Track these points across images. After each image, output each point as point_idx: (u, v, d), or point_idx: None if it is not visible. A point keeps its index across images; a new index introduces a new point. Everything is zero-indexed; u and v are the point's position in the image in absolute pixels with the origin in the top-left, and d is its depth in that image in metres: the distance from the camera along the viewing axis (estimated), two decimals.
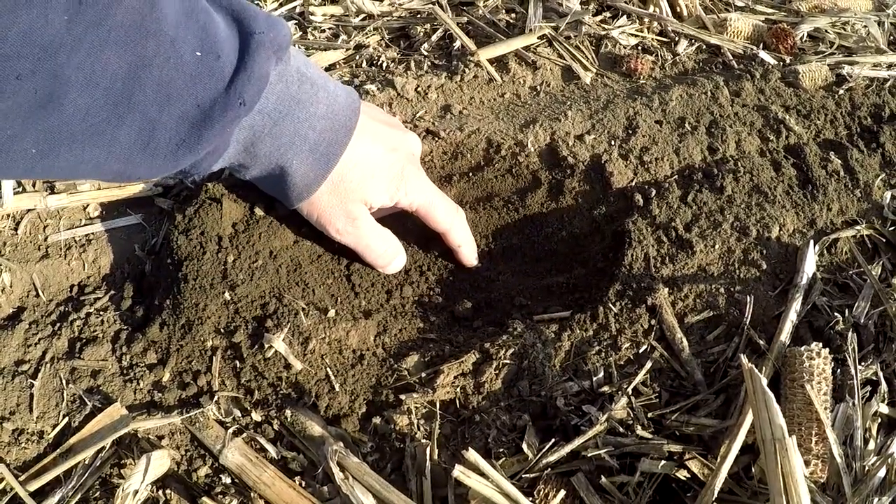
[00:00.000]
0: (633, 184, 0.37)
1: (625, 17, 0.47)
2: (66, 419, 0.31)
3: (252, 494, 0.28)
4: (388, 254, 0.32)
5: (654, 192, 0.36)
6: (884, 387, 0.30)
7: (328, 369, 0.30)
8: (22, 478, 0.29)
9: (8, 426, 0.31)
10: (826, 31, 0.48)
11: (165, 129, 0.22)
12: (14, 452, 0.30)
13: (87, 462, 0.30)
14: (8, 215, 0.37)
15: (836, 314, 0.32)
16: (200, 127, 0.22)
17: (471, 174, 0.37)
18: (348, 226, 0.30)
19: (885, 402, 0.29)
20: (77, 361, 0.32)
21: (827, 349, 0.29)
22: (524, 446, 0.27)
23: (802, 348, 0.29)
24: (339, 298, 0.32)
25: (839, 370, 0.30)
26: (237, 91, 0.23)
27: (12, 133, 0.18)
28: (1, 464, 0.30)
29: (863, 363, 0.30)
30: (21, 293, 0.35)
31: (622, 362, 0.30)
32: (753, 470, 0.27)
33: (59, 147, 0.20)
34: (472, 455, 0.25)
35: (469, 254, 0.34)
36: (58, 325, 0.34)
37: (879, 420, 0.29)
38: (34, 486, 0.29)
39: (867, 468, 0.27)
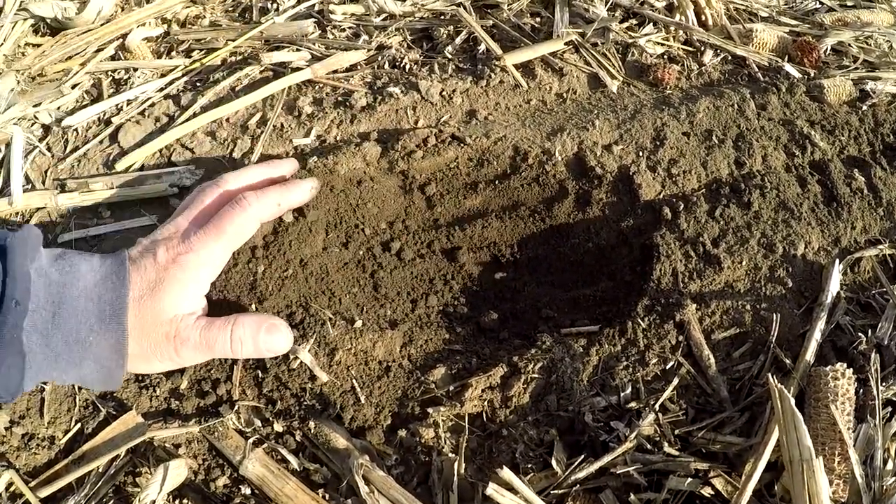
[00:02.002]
0: (661, 196, 0.37)
1: (651, 24, 0.47)
2: (79, 425, 0.30)
3: None
4: (246, 340, 0.28)
5: (682, 206, 0.36)
6: None
7: (354, 381, 0.30)
8: (32, 484, 0.29)
9: (18, 431, 0.30)
10: (850, 45, 0.48)
11: None
12: (24, 457, 0.30)
13: (100, 470, 0.29)
14: (17, 213, 0.36)
15: (859, 334, 0.32)
16: None
17: (497, 182, 0.37)
18: (181, 347, 0.28)
19: None
20: None
21: (850, 369, 0.29)
22: (553, 462, 0.27)
23: (828, 368, 0.29)
24: (364, 308, 0.32)
25: (861, 390, 0.30)
26: (8, 294, 0.23)
27: None
28: (10, 469, 0.29)
29: (884, 383, 0.31)
30: None
31: (649, 378, 0.30)
32: (776, 488, 0.28)
33: None
34: (505, 473, 0.25)
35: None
36: None
37: None
38: (45, 492, 0.29)
39: (886, 488, 0.28)
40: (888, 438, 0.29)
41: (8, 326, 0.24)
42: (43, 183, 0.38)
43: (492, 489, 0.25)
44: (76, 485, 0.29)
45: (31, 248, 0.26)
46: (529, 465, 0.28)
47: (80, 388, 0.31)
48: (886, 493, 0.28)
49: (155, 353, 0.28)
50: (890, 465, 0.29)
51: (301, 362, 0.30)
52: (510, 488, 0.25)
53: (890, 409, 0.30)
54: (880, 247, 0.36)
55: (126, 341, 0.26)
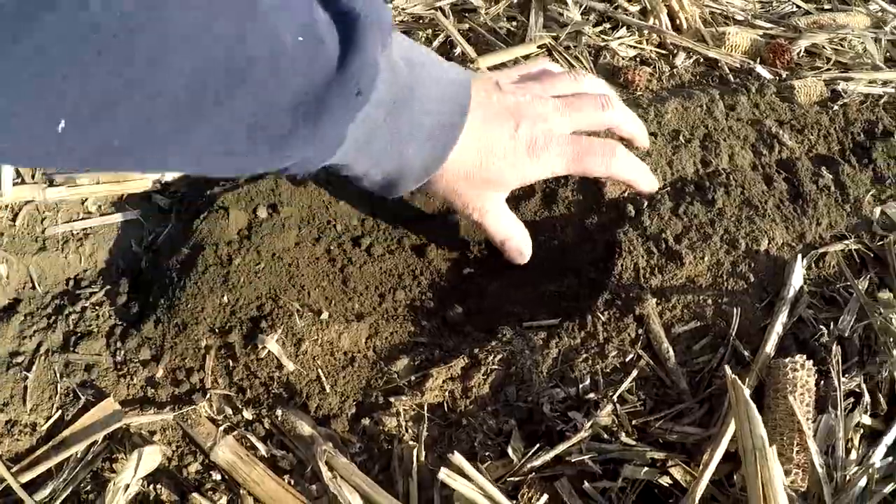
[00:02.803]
0: (626, 195, 0.37)
1: (624, 28, 0.48)
2: (60, 412, 0.31)
3: (241, 491, 0.28)
4: (518, 241, 0.31)
5: (645, 204, 0.36)
6: (867, 398, 0.30)
7: (319, 370, 0.31)
8: (14, 469, 0.30)
9: (1, 417, 0.32)
10: (823, 46, 0.49)
11: (273, 117, 0.19)
12: (7, 444, 0.31)
13: (78, 455, 0.30)
14: (6, 206, 0.38)
15: (821, 327, 0.33)
16: (315, 118, 0.20)
17: None
18: (484, 217, 0.29)
19: (868, 413, 0.30)
20: (71, 355, 0.33)
21: (811, 361, 0.29)
22: (509, 450, 0.28)
23: (787, 360, 0.29)
24: (332, 301, 0.33)
25: (823, 382, 0.30)
26: (353, 79, 0.20)
27: (115, 98, 0.16)
28: None
29: (847, 375, 0.31)
30: (17, 285, 0.36)
31: (608, 370, 0.31)
32: (735, 478, 0.28)
33: (156, 123, 0.17)
34: (457, 458, 0.26)
35: (644, 183, 0.32)
36: (53, 317, 0.34)
37: (862, 431, 0.30)
38: (26, 477, 0.29)
39: (848, 478, 0.28)
40: (850, 429, 0.29)
41: (335, 111, 0.20)
42: (32, 177, 0.39)
43: (443, 473, 0.25)
44: (55, 470, 0.30)
45: (384, 31, 0.22)
46: (487, 454, 0.28)
47: (61, 376, 0.32)
48: (849, 482, 0.28)
49: (462, 203, 0.28)
50: (853, 455, 0.29)
51: (269, 352, 0.31)
52: (462, 473, 0.26)
53: (852, 399, 0.30)
54: (846, 242, 0.36)
55: (435, 171, 0.25)
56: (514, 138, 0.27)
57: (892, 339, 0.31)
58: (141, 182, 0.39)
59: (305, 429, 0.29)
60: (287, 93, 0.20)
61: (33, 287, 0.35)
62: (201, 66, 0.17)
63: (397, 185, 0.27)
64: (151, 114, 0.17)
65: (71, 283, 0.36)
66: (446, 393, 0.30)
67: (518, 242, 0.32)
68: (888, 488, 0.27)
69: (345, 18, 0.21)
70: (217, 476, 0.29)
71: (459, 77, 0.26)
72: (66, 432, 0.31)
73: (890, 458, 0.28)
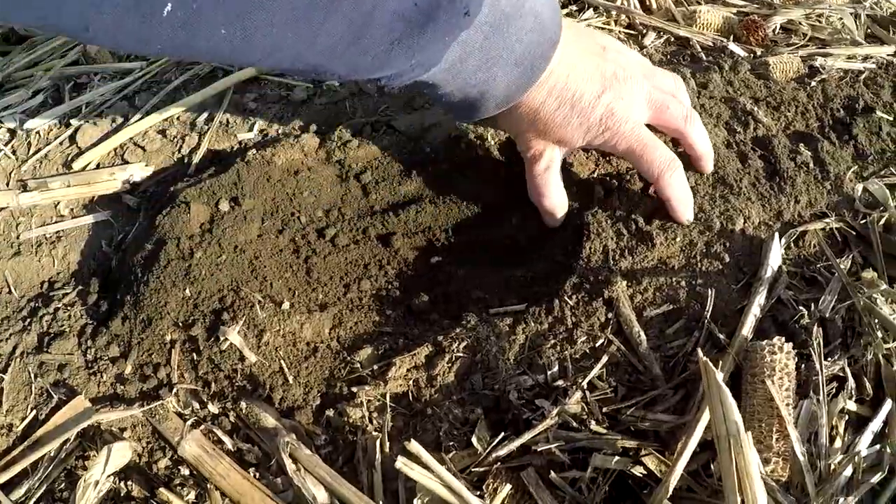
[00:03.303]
0: (595, 175, 0.36)
1: (591, 10, 0.47)
2: (34, 412, 0.31)
3: (209, 486, 0.28)
4: (556, 212, 0.32)
5: (615, 184, 0.35)
6: (851, 383, 0.28)
7: (282, 361, 0.30)
8: None
9: None
10: (800, 23, 0.47)
11: (378, 25, 0.20)
12: None
13: (52, 454, 0.29)
14: None
15: (801, 308, 0.31)
16: (420, 30, 0.21)
17: (431, 168, 0.37)
18: (536, 164, 0.29)
19: (853, 398, 0.28)
20: (45, 355, 0.32)
21: (790, 344, 0.27)
22: (474, 440, 0.27)
23: (764, 343, 0.28)
24: (296, 292, 0.32)
25: (804, 366, 0.28)
26: (463, 1, 0.21)
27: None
28: None
29: (829, 358, 0.29)
30: None
31: (578, 356, 0.29)
32: (713, 467, 0.26)
33: (257, 27, 0.18)
34: (413, 446, 0.24)
35: (683, 210, 0.31)
36: (28, 320, 0.34)
37: (847, 417, 0.28)
38: (3, 478, 0.29)
39: (833, 467, 0.26)
40: (834, 415, 0.27)
41: (441, 29, 0.21)
42: (7, 184, 0.39)
43: (400, 462, 0.24)
44: (31, 469, 0.29)
45: None
46: (452, 444, 0.27)
47: (35, 377, 0.32)
48: (834, 472, 0.26)
49: (524, 144, 0.29)
50: (837, 443, 0.27)
51: (231, 343, 0.30)
52: (421, 462, 0.24)
53: (835, 384, 0.28)
54: (826, 220, 0.34)
55: (518, 97, 0.26)
56: (593, 104, 0.28)
57: (876, 321, 0.29)
58: (111, 183, 0.38)
59: (270, 421, 0.29)
60: (392, 3, 0.20)
61: (9, 291, 0.35)
62: None
63: (478, 109, 0.27)
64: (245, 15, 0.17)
65: (45, 285, 0.36)
66: (410, 382, 0.29)
67: (554, 204, 0.32)
68: (875, 478, 0.25)
69: None
70: (185, 471, 0.29)
71: (554, 16, 0.27)
72: (39, 432, 0.30)
73: (877, 446, 0.26)
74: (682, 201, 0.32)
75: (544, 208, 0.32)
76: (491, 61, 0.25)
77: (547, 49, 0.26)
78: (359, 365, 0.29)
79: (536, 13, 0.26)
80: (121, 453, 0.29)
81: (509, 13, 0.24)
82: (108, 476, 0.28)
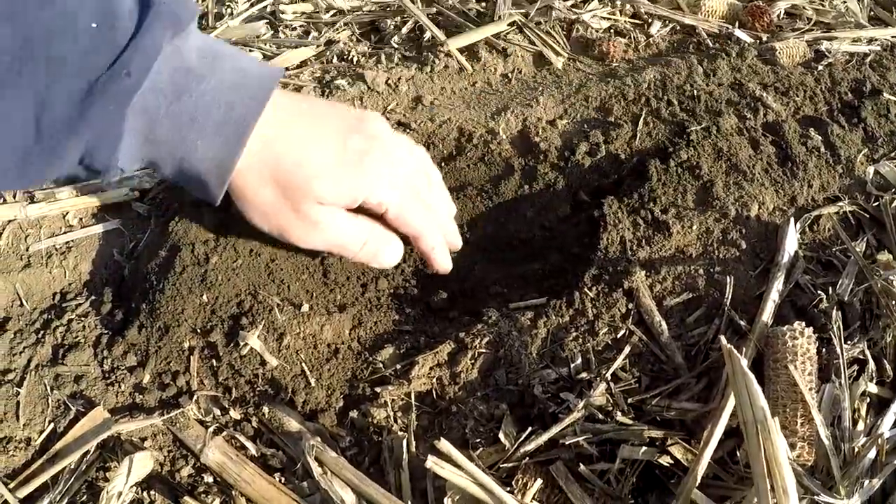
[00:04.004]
0: (609, 167, 0.36)
1: (595, 0, 0.46)
2: (52, 425, 0.31)
3: (234, 492, 0.27)
4: (370, 247, 0.26)
5: (628, 176, 0.34)
6: (872, 365, 0.28)
7: (303, 364, 0.29)
8: (11, 485, 0.29)
9: None
10: (804, 7, 0.47)
11: (53, 107, 0.19)
12: (3, 461, 0.30)
13: (72, 466, 0.29)
14: None
15: (819, 292, 0.31)
16: (85, 104, 0.19)
17: (443, 164, 0.36)
18: (311, 232, 0.25)
19: (874, 381, 0.28)
20: (60, 367, 0.32)
21: (811, 328, 0.27)
22: (501, 436, 0.27)
23: (785, 328, 0.28)
24: (313, 293, 0.32)
25: (825, 349, 0.28)
26: (123, 62, 0.20)
27: None
28: None
29: (849, 342, 0.29)
30: (5, 303, 0.35)
31: (600, 348, 0.29)
32: (739, 454, 0.26)
33: None
34: (444, 445, 0.24)
35: (439, 259, 0.28)
36: (41, 332, 0.33)
37: (868, 400, 0.28)
38: (23, 492, 0.29)
39: (856, 449, 0.26)
40: (856, 398, 0.27)
41: (109, 95, 0.20)
42: (14, 196, 0.38)
43: (432, 462, 0.24)
44: (51, 483, 0.29)
45: (178, 22, 0.21)
46: (479, 441, 0.27)
47: (51, 389, 0.32)
48: (858, 455, 0.26)
49: (281, 219, 0.24)
50: (860, 426, 0.27)
51: (251, 348, 0.29)
52: (451, 460, 0.24)
53: (856, 367, 0.28)
54: (840, 204, 0.34)
55: (231, 168, 0.22)
56: (340, 154, 0.24)
57: (893, 302, 0.29)
58: (119, 191, 0.38)
59: (293, 425, 0.28)
60: (67, 84, 0.19)
61: (21, 304, 0.35)
62: None
63: (204, 185, 0.24)
64: None
65: (57, 296, 0.35)
66: (434, 380, 0.28)
67: (372, 244, 0.26)
68: None
69: (143, 5, 0.21)
70: (209, 478, 0.28)
71: (266, 71, 0.24)
72: (58, 444, 0.30)
73: None
74: (443, 255, 0.28)
75: (369, 258, 0.27)
76: (185, 127, 0.22)
77: (254, 107, 0.22)
78: (381, 365, 0.29)
79: (239, 71, 0.23)
80: (142, 463, 0.29)
81: (204, 75, 0.22)
82: (131, 486, 0.28)
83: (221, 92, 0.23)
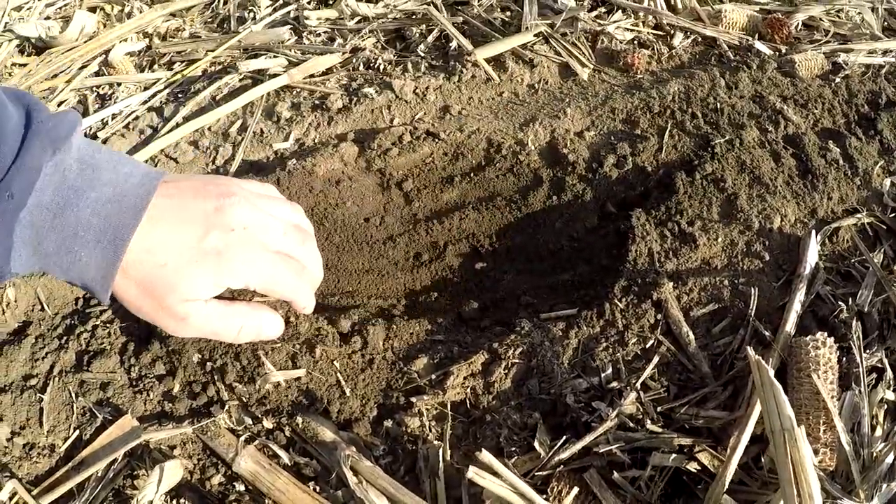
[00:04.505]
0: (635, 179, 0.37)
1: (620, 11, 0.47)
2: (77, 432, 0.31)
3: (267, 501, 0.28)
4: (248, 329, 0.27)
5: (655, 188, 0.35)
6: (889, 373, 0.30)
7: (338, 374, 0.30)
8: (35, 492, 0.29)
9: (18, 441, 0.31)
10: (820, 19, 0.48)
11: None
12: (26, 467, 0.30)
13: (99, 474, 0.29)
14: None
15: (839, 303, 0.32)
16: None
17: (472, 174, 0.37)
18: (180, 325, 0.26)
19: (891, 388, 0.29)
20: (86, 374, 0.32)
21: (832, 338, 0.29)
22: (536, 444, 0.27)
23: (808, 338, 0.29)
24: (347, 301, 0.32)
25: (844, 358, 0.30)
26: (6, 184, 0.21)
27: None
28: (13, 479, 0.29)
29: (867, 350, 0.30)
30: (26, 307, 0.35)
31: (629, 358, 0.30)
32: (763, 460, 0.27)
33: None
34: (485, 455, 0.25)
35: (309, 310, 0.29)
36: (64, 338, 0.33)
37: (886, 406, 0.29)
38: (47, 499, 0.29)
39: (875, 455, 0.27)
40: (874, 405, 0.29)
41: None
42: None
43: (472, 472, 0.25)
44: (77, 490, 0.29)
45: (57, 139, 0.23)
46: (514, 449, 0.28)
47: (76, 396, 0.32)
48: (876, 459, 0.27)
49: (151, 314, 0.25)
50: (878, 432, 0.28)
51: (280, 358, 0.30)
52: (491, 471, 0.25)
53: (875, 375, 0.30)
54: (858, 216, 0.36)
55: (114, 275, 0.24)
56: (198, 251, 0.25)
57: None
58: None
59: (328, 434, 0.29)
60: None
61: (42, 309, 0.35)
62: None
63: (94, 292, 0.25)
64: None
65: (80, 302, 0.35)
66: (468, 390, 0.29)
67: (249, 327, 0.27)
68: None
69: (25, 127, 0.22)
70: (241, 487, 0.29)
71: (144, 179, 0.25)
72: (85, 452, 0.30)
73: None
74: (311, 303, 0.29)
75: (250, 339, 0.27)
76: (69, 240, 0.23)
77: (130, 217, 0.24)
78: (416, 375, 0.30)
79: (119, 182, 0.24)
80: (173, 472, 0.29)
81: (83, 188, 0.23)
82: (162, 495, 0.28)
83: (101, 203, 0.24)
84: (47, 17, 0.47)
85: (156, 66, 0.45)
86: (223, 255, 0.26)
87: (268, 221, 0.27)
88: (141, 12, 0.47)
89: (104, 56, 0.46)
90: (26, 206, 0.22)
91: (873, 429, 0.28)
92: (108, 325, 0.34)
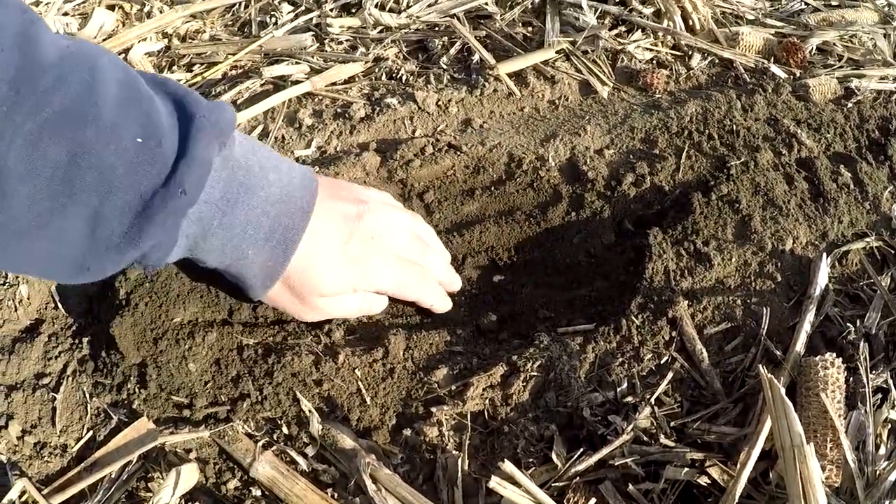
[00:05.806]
0: (652, 198, 0.39)
1: (640, 31, 0.49)
2: (91, 433, 0.32)
3: None
4: (363, 309, 0.32)
5: (672, 207, 0.37)
6: (894, 394, 0.32)
7: (359, 383, 0.31)
8: (45, 491, 0.30)
9: (30, 440, 0.32)
10: (834, 44, 0.51)
11: (108, 220, 0.21)
12: (36, 466, 0.31)
13: (113, 476, 0.30)
14: None
15: (848, 324, 0.34)
16: (142, 219, 0.21)
17: (493, 188, 0.39)
18: (309, 313, 0.29)
19: (895, 408, 0.31)
20: (100, 375, 0.33)
21: (840, 359, 0.31)
22: (553, 456, 0.29)
23: (817, 358, 0.31)
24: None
25: (851, 378, 0.32)
26: (177, 180, 0.22)
27: None
28: (23, 478, 0.30)
29: (874, 371, 0.32)
30: (39, 305, 0.35)
31: (644, 373, 0.32)
32: (771, 475, 0.29)
33: (7, 240, 0.20)
34: (507, 466, 0.27)
35: (439, 308, 0.33)
36: (78, 337, 0.34)
37: (890, 426, 0.31)
38: (58, 499, 0.30)
39: (879, 472, 0.29)
40: (879, 424, 0.31)
41: (167, 211, 0.22)
42: None
43: (494, 482, 0.26)
44: (89, 491, 0.30)
45: (221, 133, 0.23)
46: (531, 460, 0.29)
47: (90, 397, 0.33)
48: (879, 477, 0.29)
49: (284, 304, 0.28)
50: (882, 451, 0.30)
51: (301, 367, 0.31)
52: (512, 481, 0.27)
53: (880, 395, 0.32)
54: (867, 239, 0.38)
55: (280, 273, 0.25)
56: (345, 258, 0.28)
57: None
58: None
59: (347, 441, 0.30)
60: (118, 198, 0.21)
61: (55, 307, 0.35)
62: (35, 191, 0.19)
63: (248, 288, 0.27)
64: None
65: (94, 301, 0.36)
66: (486, 401, 0.31)
67: (366, 307, 0.31)
68: None
69: (184, 119, 0.22)
70: (257, 492, 0.30)
71: (305, 180, 0.27)
72: (98, 453, 0.31)
73: None
74: (442, 302, 0.33)
75: (365, 313, 0.32)
76: (236, 236, 0.24)
77: (299, 219, 0.25)
78: (436, 385, 0.31)
79: (284, 182, 0.25)
80: (189, 475, 0.30)
81: (250, 185, 0.24)
82: (177, 498, 0.29)
83: (269, 203, 0.25)
84: (65, 14, 0.48)
85: (175, 68, 0.47)
86: (363, 263, 0.28)
87: (396, 231, 0.30)
88: (161, 12, 0.49)
89: (123, 55, 0.47)
90: (198, 203, 0.23)
91: (877, 447, 0.30)
92: None
